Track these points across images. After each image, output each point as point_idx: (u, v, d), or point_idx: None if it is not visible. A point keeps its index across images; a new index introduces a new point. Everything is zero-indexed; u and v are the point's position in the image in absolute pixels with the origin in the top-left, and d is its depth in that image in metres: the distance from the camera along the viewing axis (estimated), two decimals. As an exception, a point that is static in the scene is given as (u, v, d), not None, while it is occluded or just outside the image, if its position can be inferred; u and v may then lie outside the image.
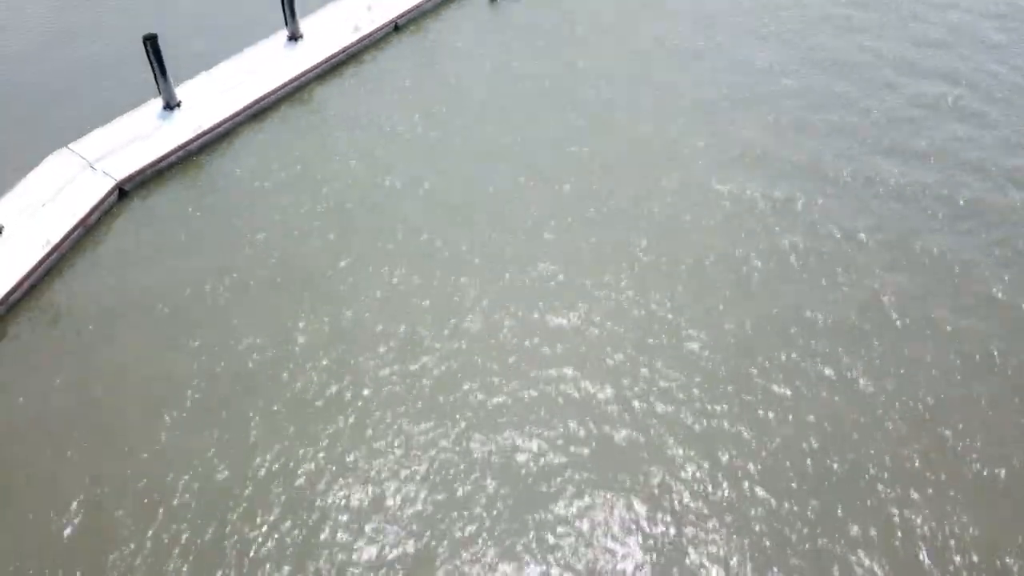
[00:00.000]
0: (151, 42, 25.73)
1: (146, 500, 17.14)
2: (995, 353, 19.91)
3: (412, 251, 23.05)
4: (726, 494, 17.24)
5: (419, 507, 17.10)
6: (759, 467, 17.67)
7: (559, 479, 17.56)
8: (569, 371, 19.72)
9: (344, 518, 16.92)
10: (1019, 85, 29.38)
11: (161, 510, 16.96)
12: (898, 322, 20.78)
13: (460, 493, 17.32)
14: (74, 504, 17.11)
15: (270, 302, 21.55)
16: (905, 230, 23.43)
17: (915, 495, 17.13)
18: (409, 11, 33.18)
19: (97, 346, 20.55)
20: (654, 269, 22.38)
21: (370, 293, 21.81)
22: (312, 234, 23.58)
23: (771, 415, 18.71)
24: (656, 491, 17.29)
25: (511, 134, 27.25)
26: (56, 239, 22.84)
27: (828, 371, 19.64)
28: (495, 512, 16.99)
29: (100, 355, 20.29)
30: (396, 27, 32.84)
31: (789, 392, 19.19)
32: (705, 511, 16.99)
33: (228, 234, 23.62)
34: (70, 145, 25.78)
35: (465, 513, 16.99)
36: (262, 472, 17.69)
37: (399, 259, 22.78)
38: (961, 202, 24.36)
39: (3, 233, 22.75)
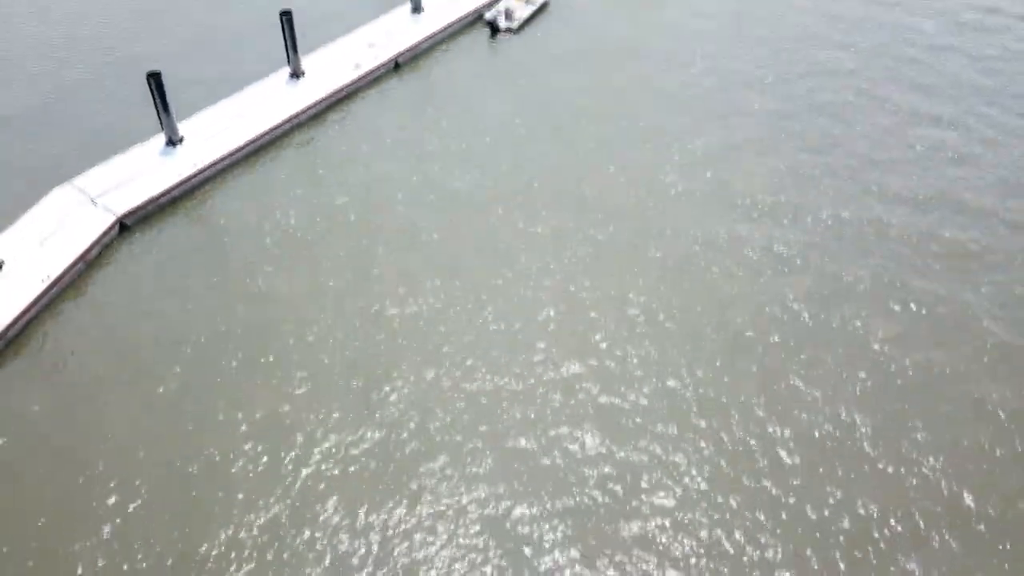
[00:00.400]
0: (154, 79, 26.12)
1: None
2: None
3: (406, 290, 23.28)
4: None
5: (411, 548, 17.01)
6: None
7: (551, 521, 17.49)
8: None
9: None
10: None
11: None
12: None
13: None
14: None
15: (259, 346, 21.70)
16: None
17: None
18: (410, 49, 33.70)
19: (87, 384, 20.63)
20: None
21: (364, 328, 21.99)
22: (307, 275, 23.77)
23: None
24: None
25: (506, 175, 27.51)
26: (56, 273, 23.01)
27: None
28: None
29: (89, 394, 20.40)
30: (397, 65, 33.32)
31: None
32: (697, 555, 16.89)
33: (224, 271, 23.80)
34: (73, 180, 26.07)
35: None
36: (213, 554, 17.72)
37: (392, 298, 22.99)
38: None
39: (3, 268, 22.93)
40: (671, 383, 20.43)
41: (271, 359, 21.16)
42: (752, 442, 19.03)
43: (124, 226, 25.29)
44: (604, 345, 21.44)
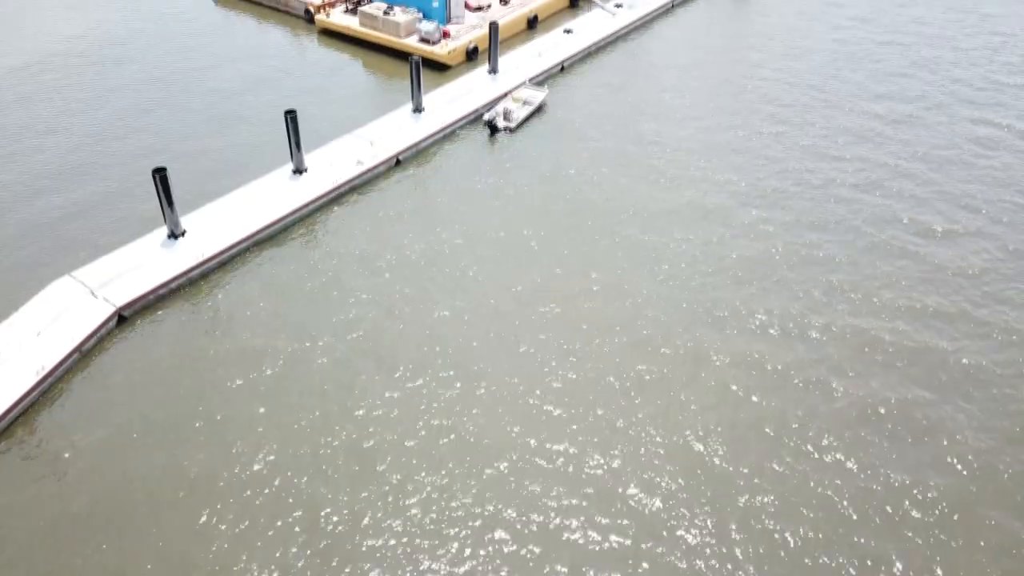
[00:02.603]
0: (160, 175, 26.80)
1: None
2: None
3: (401, 390, 23.28)
4: None
5: None
6: None
7: None
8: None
9: None
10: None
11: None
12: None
13: None
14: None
15: (250, 443, 21.53)
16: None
17: None
18: (410, 147, 34.71)
19: (76, 480, 20.39)
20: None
21: (368, 422, 21.89)
22: (303, 372, 23.80)
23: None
24: None
25: (502, 277, 27.95)
26: (50, 365, 23.03)
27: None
28: None
29: (78, 490, 20.14)
30: (397, 162, 34.24)
31: (780, 534, 18.75)
32: None
33: (219, 366, 23.83)
34: (73, 272, 26.41)
35: None
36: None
37: (387, 397, 22.96)
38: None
39: (-4, 360, 23.02)
40: None
41: (263, 459, 20.95)
42: None
43: (122, 318, 25.47)
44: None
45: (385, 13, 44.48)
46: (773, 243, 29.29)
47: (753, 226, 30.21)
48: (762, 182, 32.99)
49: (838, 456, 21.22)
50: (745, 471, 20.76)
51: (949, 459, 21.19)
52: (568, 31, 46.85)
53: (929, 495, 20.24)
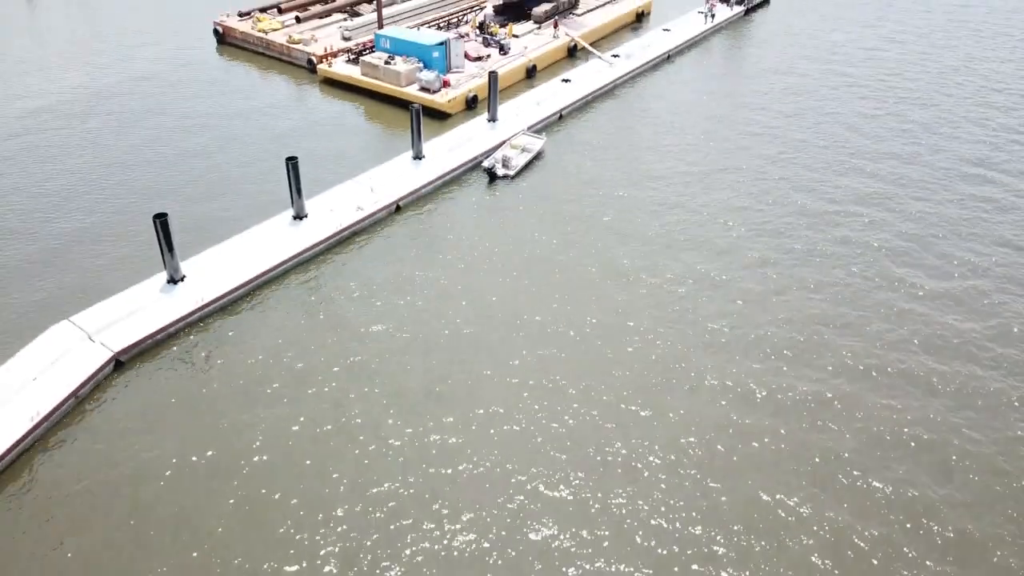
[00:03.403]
0: (160, 220, 26.92)
1: None
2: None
3: (401, 432, 23.09)
4: None
5: None
6: None
7: None
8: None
9: None
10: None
11: None
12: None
13: None
14: None
15: (243, 492, 21.23)
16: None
17: None
18: (411, 193, 34.98)
19: (69, 524, 20.03)
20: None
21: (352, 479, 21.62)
22: (299, 418, 23.57)
23: None
24: None
25: (499, 327, 27.96)
26: (46, 410, 22.81)
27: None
28: None
29: (69, 534, 19.76)
30: (398, 208, 34.47)
31: None
32: None
33: (214, 412, 23.58)
34: (71, 317, 26.34)
35: None
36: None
37: (385, 452, 22.75)
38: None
39: (-8, 405, 22.80)
40: None
41: (257, 505, 20.65)
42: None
43: (119, 363, 25.33)
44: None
45: (386, 63, 45.26)
46: (771, 282, 29.44)
47: (752, 267, 30.33)
48: (761, 227, 33.24)
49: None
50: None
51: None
52: (566, 80, 47.66)
53: (935, 545, 19.96)
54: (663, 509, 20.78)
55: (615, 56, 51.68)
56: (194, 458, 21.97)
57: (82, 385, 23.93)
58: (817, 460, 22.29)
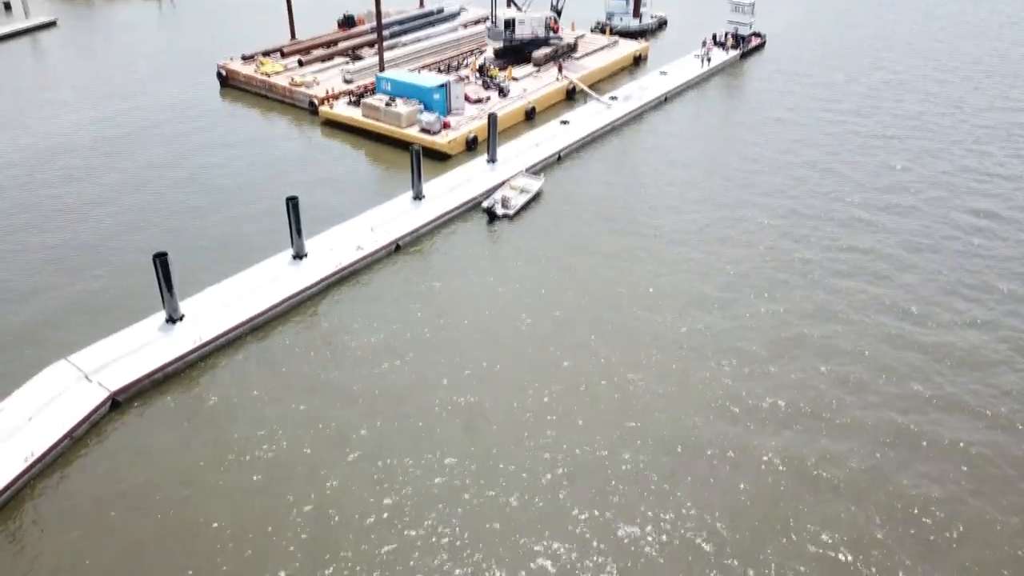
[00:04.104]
0: (160, 259, 26.94)
1: None
2: None
3: (391, 478, 22.85)
4: None
5: None
6: None
7: None
8: None
9: None
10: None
11: None
12: None
13: None
14: None
15: (236, 545, 20.89)
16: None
17: None
18: (410, 232, 35.09)
19: (60, 565, 19.72)
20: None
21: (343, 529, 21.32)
22: (298, 462, 23.33)
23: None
24: None
25: (502, 362, 27.87)
26: (40, 451, 22.57)
27: None
28: None
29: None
30: (397, 247, 34.56)
31: None
32: None
33: (208, 454, 23.34)
34: (69, 357, 26.22)
35: None
36: None
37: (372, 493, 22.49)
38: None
39: (-14, 445, 22.56)
40: None
41: (249, 553, 20.30)
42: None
43: (116, 403, 25.13)
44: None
45: (388, 104, 45.80)
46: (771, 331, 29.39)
47: (745, 316, 30.32)
48: (753, 272, 33.28)
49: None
50: None
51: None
52: (565, 122, 48.21)
53: None
54: (665, 552, 20.43)
55: (613, 98, 52.35)
56: (191, 501, 21.64)
57: (78, 425, 23.72)
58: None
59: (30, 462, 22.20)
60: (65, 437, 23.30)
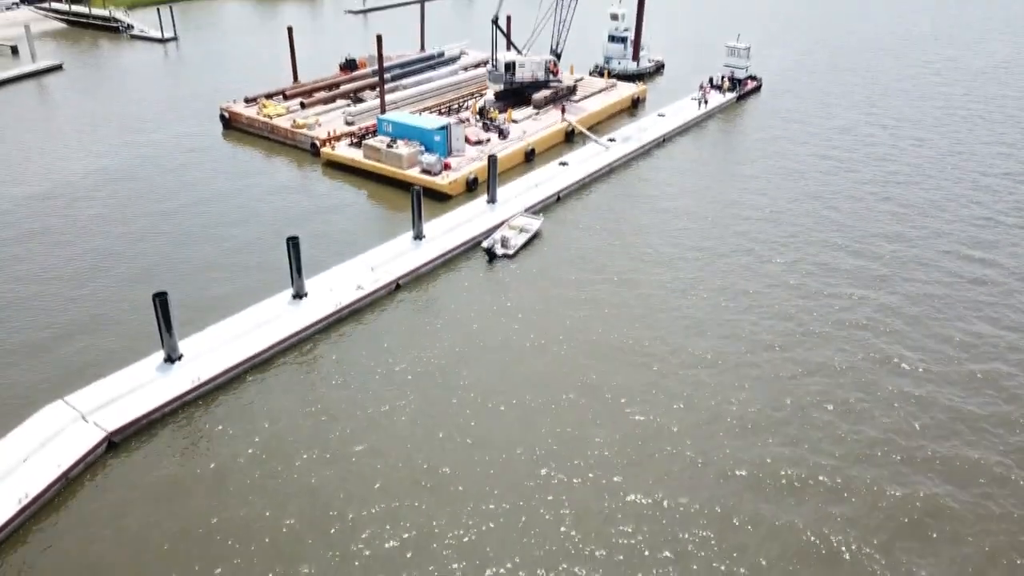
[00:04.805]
0: (160, 299, 26.93)
1: None
2: None
3: (393, 518, 22.56)
4: None
5: None
6: None
7: None
8: None
9: None
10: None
11: None
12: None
13: None
14: None
15: None
16: None
17: None
18: (410, 272, 35.16)
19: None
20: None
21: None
22: (296, 506, 23.04)
23: None
24: None
25: (494, 415, 27.72)
26: (35, 492, 22.30)
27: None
28: None
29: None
30: (397, 286, 34.59)
31: None
32: None
33: (205, 496, 23.06)
34: (66, 397, 26.05)
35: None
36: None
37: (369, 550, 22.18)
38: None
39: (-20, 486, 22.29)
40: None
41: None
42: None
43: (112, 443, 24.90)
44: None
45: (389, 146, 46.25)
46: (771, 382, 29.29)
47: (740, 368, 30.22)
48: (757, 326, 33.15)
49: None
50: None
51: None
52: (564, 163, 48.66)
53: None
54: None
55: (611, 140, 52.90)
56: (188, 543, 21.31)
57: (73, 466, 23.47)
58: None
59: (24, 503, 21.91)
60: (61, 478, 23.04)
